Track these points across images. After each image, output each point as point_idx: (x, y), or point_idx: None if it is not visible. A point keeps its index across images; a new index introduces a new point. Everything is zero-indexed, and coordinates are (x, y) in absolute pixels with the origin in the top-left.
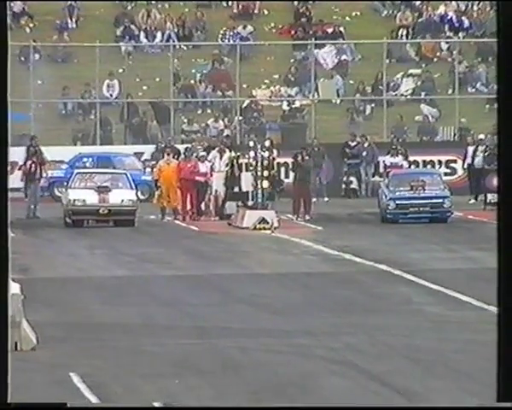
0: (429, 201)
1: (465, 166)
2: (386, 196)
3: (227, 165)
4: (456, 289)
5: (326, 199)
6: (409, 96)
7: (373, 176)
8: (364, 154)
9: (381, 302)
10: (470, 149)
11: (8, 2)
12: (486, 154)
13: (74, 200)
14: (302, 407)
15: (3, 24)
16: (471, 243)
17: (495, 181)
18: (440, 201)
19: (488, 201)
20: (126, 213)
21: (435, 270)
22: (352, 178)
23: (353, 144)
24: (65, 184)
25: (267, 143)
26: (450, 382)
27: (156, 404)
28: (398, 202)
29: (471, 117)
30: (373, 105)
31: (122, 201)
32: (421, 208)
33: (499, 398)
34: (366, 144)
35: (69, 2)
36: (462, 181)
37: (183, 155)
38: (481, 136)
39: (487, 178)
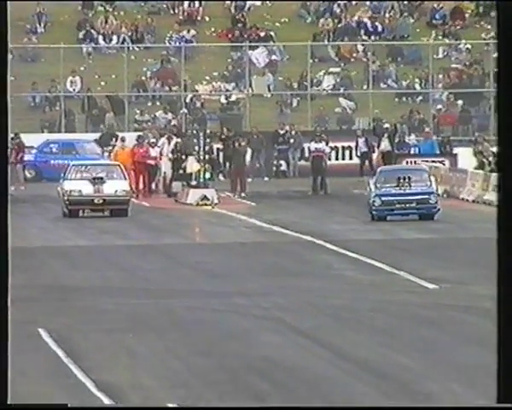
0: (415, 197)
1: (358, 153)
2: (372, 193)
3: (173, 150)
4: (371, 257)
5: (266, 179)
6: (329, 91)
7: (299, 160)
8: (292, 141)
9: (306, 268)
10: (361, 139)
11: (8, 2)
12: (397, 141)
13: (70, 191)
14: (302, 407)
15: (3, 24)
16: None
17: (404, 163)
18: (426, 197)
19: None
20: (120, 203)
21: (353, 240)
22: (282, 162)
23: (282, 132)
24: (35, 166)
25: (208, 132)
26: (366, 336)
27: (170, 405)
28: (383, 198)
29: (383, 109)
30: (299, 99)
31: (116, 191)
32: (407, 204)
33: (499, 399)
34: (293, 132)
35: (38, 10)
36: (378, 163)
37: (135, 142)
38: (387, 125)
39: (397, 161)
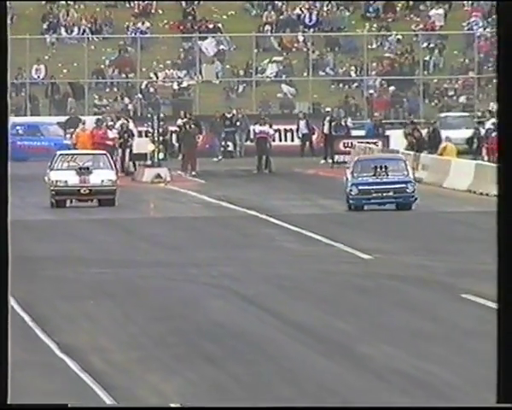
0: (392, 186)
1: (299, 134)
2: (349, 182)
3: (120, 133)
4: (310, 230)
5: (217, 158)
6: (273, 78)
7: (245, 141)
8: (238, 123)
9: (251, 240)
10: (302, 122)
11: (8, 2)
12: (334, 123)
13: (56, 181)
14: (302, 407)
15: (3, 24)
16: (321, 194)
17: (341, 145)
18: (403, 186)
19: (335, 161)
20: (106, 193)
21: (293, 214)
22: (229, 143)
23: (229, 116)
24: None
25: (162, 115)
26: (307, 303)
27: (173, 405)
28: (360, 187)
29: (321, 94)
30: (244, 85)
31: (102, 181)
32: (384, 194)
33: (499, 399)
34: (239, 116)
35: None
36: (318, 144)
37: (94, 125)
38: (328, 109)
39: (334, 142)
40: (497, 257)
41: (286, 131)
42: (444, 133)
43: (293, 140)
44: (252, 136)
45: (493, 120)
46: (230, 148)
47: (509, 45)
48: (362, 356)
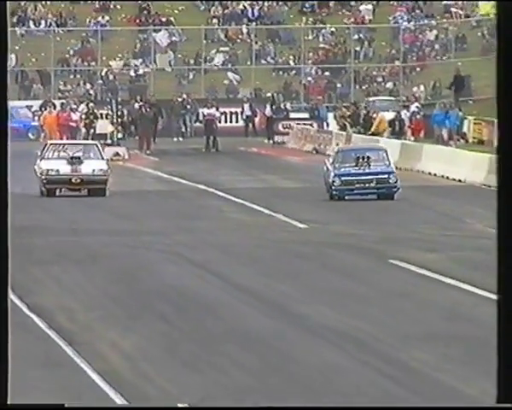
0: (374, 176)
1: (243, 117)
2: (331, 173)
3: (87, 114)
4: (253, 202)
5: (180, 138)
6: (219, 66)
7: (195, 122)
8: (188, 107)
9: (200, 211)
10: (246, 105)
11: (7, 2)
12: (274, 107)
13: (48, 170)
14: (303, 407)
15: (3, 24)
16: (263, 170)
17: (280, 127)
18: (386, 176)
19: (275, 141)
20: (97, 183)
21: (238, 188)
22: (181, 124)
23: (180, 100)
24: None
25: (120, 100)
26: (251, 267)
27: (181, 405)
28: (343, 178)
29: (262, 81)
30: (194, 72)
31: (93, 170)
32: (366, 184)
33: (499, 399)
34: (190, 100)
35: None
36: (260, 126)
37: (59, 108)
38: (268, 94)
39: (274, 124)
40: (497, 257)
41: (231, 113)
42: (373, 115)
43: (237, 122)
44: (200, 118)
45: (417, 103)
46: (182, 129)
47: (509, 45)
48: (299, 315)
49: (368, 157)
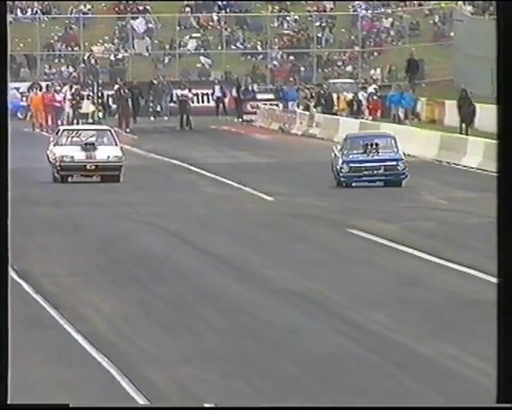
0: (383, 163)
1: (214, 97)
2: (339, 159)
3: (73, 95)
4: (223, 176)
5: (166, 118)
6: (192, 51)
7: (170, 103)
8: (164, 88)
9: (174, 185)
10: (217, 87)
11: (7, 2)
12: (242, 89)
13: (62, 156)
14: (303, 407)
15: (3, 24)
16: (233, 146)
17: (248, 107)
18: (394, 163)
19: (244, 119)
20: (112, 169)
21: (210, 163)
22: (156, 104)
23: (156, 82)
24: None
25: (100, 82)
26: (221, 236)
27: (207, 405)
28: (351, 164)
29: (232, 65)
30: (169, 57)
31: (108, 157)
32: (374, 171)
33: (499, 399)
34: (165, 82)
35: None
36: (229, 106)
37: (45, 89)
38: (238, 76)
39: (243, 104)
40: (497, 246)
41: (203, 94)
42: (334, 96)
43: (209, 102)
44: (175, 99)
45: (374, 85)
46: (158, 108)
47: (509, 45)
48: (265, 279)
49: (376, 144)
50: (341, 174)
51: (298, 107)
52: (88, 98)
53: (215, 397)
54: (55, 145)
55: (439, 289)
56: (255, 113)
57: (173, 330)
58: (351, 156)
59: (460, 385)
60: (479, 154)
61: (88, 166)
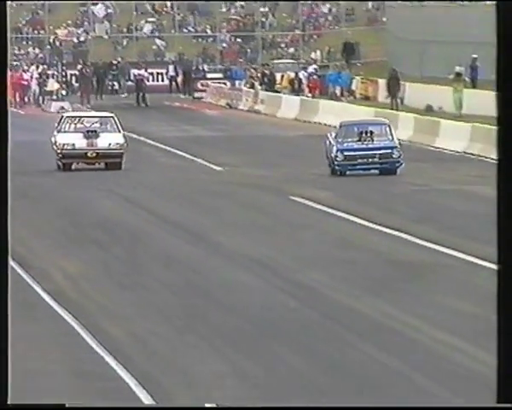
0: (378, 151)
1: (168, 76)
2: (333, 147)
3: (40, 75)
4: (177, 148)
5: (124, 95)
6: (148, 34)
7: (127, 81)
8: (122, 68)
9: (131, 156)
10: (171, 67)
11: (7, 2)
12: (194, 68)
13: (64, 144)
14: (303, 407)
15: (3, 24)
16: (185, 121)
17: (199, 85)
18: (389, 151)
19: (195, 96)
20: (114, 156)
21: (165, 137)
22: (115, 83)
23: (115, 63)
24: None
25: (64, 62)
26: (175, 202)
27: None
28: (346, 153)
29: (184, 47)
30: (127, 39)
31: (109, 144)
32: (369, 159)
33: (499, 399)
34: (123, 63)
35: None
36: (182, 84)
37: (14, 69)
38: (189, 58)
39: (194, 83)
40: (497, 222)
41: (158, 74)
42: (277, 75)
43: (163, 81)
44: (132, 78)
45: (314, 65)
46: (116, 87)
47: (509, 45)
48: (217, 243)
49: (371, 132)
50: (336, 162)
51: (244, 85)
52: (53, 77)
53: (169, 351)
54: (58, 132)
55: (372, 251)
56: (205, 90)
57: (129, 287)
58: (345, 144)
59: (389, 338)
60: (409, 128)
61: (89, 154)
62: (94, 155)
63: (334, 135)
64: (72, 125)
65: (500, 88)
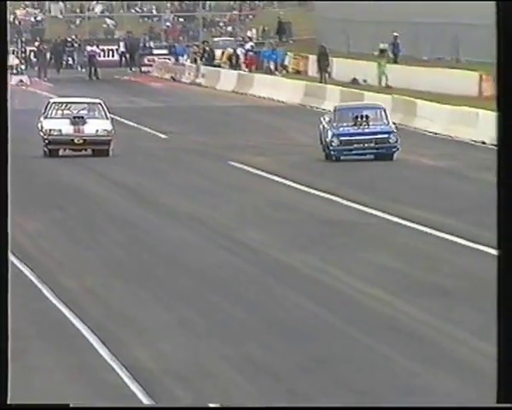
0: (374, 136)
1: (119, 52)
2: (329, 133)
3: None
4: (125, 118)
5: (81, 70)
6: (99, 14)
7: (80, 57)
8: (76, 45)
9: None
10: (121, 43)
11: (7, 2)
12: (141, 45)
13: (50, 130)
14: (303, 407)
15: (3, 24)
16: (133, 93)
17: (146, 60)
18: (386, 136)
19: (142, 70)
20: (101, 143)
21: (114, 107)
22: (69, 58)
23: (70, 40)
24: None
25: (23, 39)
26: (124, 168)
27: (212, 405)
28: (342, 138)
29: (132, 25)
30: (81, 19)
31: (97, 131)
32: (365, 144)
33: (499, 399)
34: (77, 40)
35: None
36: (131, 59)
37: None
38: (134, 35)
39: (141, 58)
40: (497, 208)
41: (109, 50)
42: (217, 51)
43: (113, 56)
44: (85, 53)
45: (250, 43)
46: (70, 62)
47: (509, 45)
48: (162, 204)
49: (366, 116)
50: (331, 148)
51: (187, 60)
52: (13, 53)
53: (119, 302)
54: (45, 118)
55: (304, 212)
56: (151, 65)
57: (86, 245)
58: (341, 129)
59: (317, 289)
60: (336, 99)
61: (76, 140)
62: (81, 141)
63: (327, 119)
64: (59, 112)
65: (500, 76)
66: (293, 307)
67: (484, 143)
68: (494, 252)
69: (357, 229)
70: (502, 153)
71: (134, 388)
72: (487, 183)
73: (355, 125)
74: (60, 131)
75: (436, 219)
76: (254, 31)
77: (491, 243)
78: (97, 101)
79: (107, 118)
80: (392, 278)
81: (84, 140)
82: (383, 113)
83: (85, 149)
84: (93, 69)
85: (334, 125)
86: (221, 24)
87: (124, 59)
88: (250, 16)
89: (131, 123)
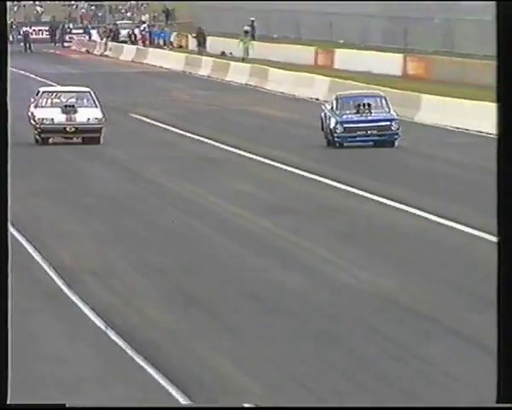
0: (376, 124)
1: (49, 32)
2: (332, 120)
3: None
4: (51, 80)
5: (21, 44)
6: (31, 2)
7: (18, 35)
8: (14, 27)
9: (22, 88)
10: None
11: (7, 2)
12: (64, 26)
13: (42, 119)
14: (303, 407)
15: (3, 24)
16: (58, 62)
17: (67, 38)
18: (388, 123)
19: (65, 46)
20: (92, 131)
21: (44, 73)
22: (10, 37)
23: (9, 23)
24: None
25: None
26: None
27: (246, 405)
28: (345, 125)
29: (57, 11)
30: (17, 6)
31: (88, 119)
32: (368, 131)
33: (499, 399)
34: (15, 23)
35: None
36: (57, 37)
37: None
38: (54, 18)
39: (64, 36)
40: (497, 201)
41: (39, 30)
42: (122, 32)
43: (43, 35)
44: (21, 33)
45: (144, 25)
46: (11, 39)
47: (509, 44)
48: (135, 172)
49: (368, 104)
50: (335, 134)
51: (98, 38)
52: None
53: (104, 264)
54: (35, 107)
55: (186, 151)
56: (71, 42)
57: (67, 214)
58: (344, 117)
59: (192, 207)
60: (208, 67)
61: (68, 129)
62: (73, 129)
63: (329, 107)
64: (50, 100)
65: (501, 97)
66: (179, 224)
67: (317, 99)
68: (320, 178)
69: (224, 163)
70: (502, 144)
71: (60, 283)
72: (316, 129)
73: (358, 112)
74: (52, 120)
75: (279, 155)
76: (148, 16)
77: (316, 170)
78: (86, 89)
79: (96, 106)
80: (251, 201)
81: (76, 128)
82: (384, 101)
83: (76, 138)
84: (28, 45)
85: (337, 112)
86: (123, 11)
87: (51, 37)
88: (144, 4)
89: (56, 84)
